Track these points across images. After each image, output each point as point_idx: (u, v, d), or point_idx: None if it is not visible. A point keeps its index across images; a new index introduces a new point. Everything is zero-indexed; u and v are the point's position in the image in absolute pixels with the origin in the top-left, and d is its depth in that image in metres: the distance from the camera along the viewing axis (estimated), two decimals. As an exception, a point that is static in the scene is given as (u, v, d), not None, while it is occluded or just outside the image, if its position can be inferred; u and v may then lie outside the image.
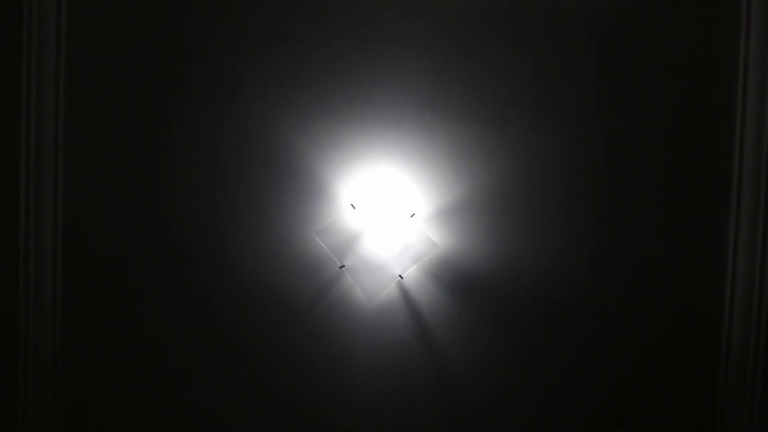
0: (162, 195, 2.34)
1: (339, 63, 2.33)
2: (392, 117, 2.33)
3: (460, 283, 2.36)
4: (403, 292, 2.36)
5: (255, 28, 2.32)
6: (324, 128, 2.33)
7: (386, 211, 2.28)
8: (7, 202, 2.28)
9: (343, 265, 2.25)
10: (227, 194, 2.34)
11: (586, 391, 2.38)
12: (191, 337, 2.37)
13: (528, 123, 2.34)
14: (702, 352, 2.39)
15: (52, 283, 2.33)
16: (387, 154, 2.34)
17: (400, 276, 2.25)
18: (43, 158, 2.30)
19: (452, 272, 2.35)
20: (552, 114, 2.34)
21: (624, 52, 2.35)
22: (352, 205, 2.29)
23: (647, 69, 2.35)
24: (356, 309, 2.36)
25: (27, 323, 2.31)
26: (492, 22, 2.33)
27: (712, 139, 2.36)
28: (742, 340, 2.35)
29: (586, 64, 2.35)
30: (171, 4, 2.32)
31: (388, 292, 2.34)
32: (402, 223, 2.27)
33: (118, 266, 2.35)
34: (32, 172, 2.29)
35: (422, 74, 2.33)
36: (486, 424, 2.39)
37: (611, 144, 2.36)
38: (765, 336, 2.34)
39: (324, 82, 2.33)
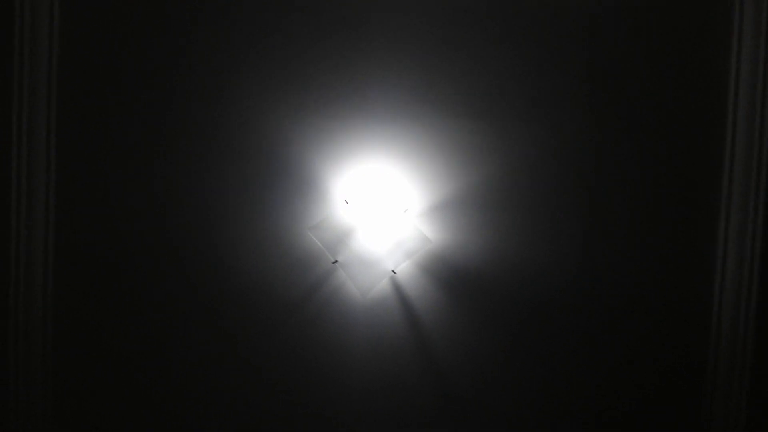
0: (153, 191, 2.34)
1: (331, 59, 2.33)
2: (385, 113, 2.34)
3: (452, 278, 2.37)
4: (396, 287, 2.37)
5: (248, 24, 2.32)
6: (317, 124, 2.33)
7: (379, 207, 2.29)
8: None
9: (336, 261, 2.26)
10: (219, 190, 2.34)
11: (575, 387, 2.40)
12: (183, 333, 2.36)
13: (520, 118, 2.35)
14: (691, 349, 2.41)
15: (42, 279, 2.32)
16: (380, 149, 2.34)
17: (393, 271, 2.26)
18: (35, 154, 2.29)
19: (445, 267, 2.36)
20: (544, 110, 2.36)
21: (616, 48, 2.36)
22: (345, 200, 2.30)
23: (639, 65, 2.36)
24: (349, 304, 2.37)
25: (17, 322, 2.30)
26: (483, 18, 2.34)
27: (704, 136, 2.38)
28: (731, 339, 2.37)
29: (578, 60, 2.36)
30: (161, 1, 2.31)
31: (381, 287, 2.34)
32: (395, 219, 2.28)
33: (109, 263, 2.35)
34: (23, 167, 2.28)
35: (414, 70, 2.34)
36: (478, 417, 2.40)
37: (603, 140, 2.37)
38: (753, 335, 2.36)
39: (317, 78, 2.33)
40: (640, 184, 2.38)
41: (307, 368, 2.38)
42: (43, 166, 2.30)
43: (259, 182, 2.34)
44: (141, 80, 2.32)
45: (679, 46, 2.36)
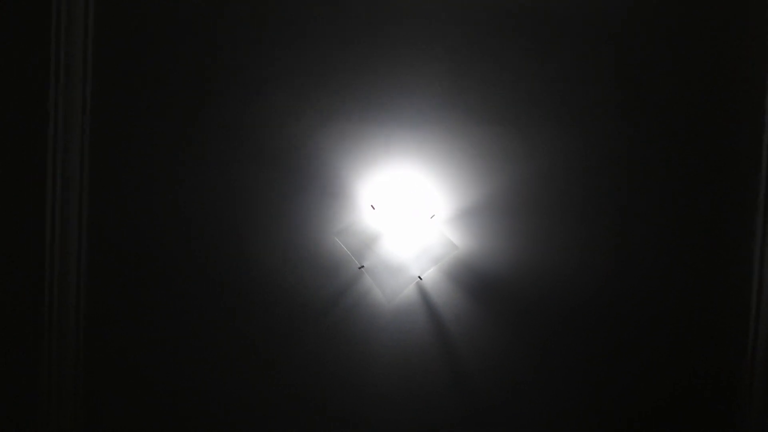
0: (182, 196, 2.36)
1: (359, 65, 2.34)
2: (412, 118, 2.34)
3: (479, 284, 2.35)
4: (422, 293, 2.36)
5: (275, 30, 2.35)
6: (344, 129, 2.34)
7: (406, 213, 2.29)
8: (33, 205, 2.32)
9: (363, 266, 2.26)
10: (246, 195, 2.36)
11: (604, 395, 2.36)
12: (210, 338, 2.38)
13: (548, 124, 2.33)
14: (727, 359, 2.35)
15: (76, 282, 2.36)
16: (407, 155, 2.34)
17: (419, 277, 2.25)
18: (69, 160, 2.33)
19: (471, 274, 2.35)
20: (573, 115, 2.33)
21: (645, 51, 2.33)
22: (371, 206, 2.30)
23: (669, 69, 2.33)
24: (375, 310, 2.36)
25: (50, 326, 2.34)
26: (512, 24, 2.33)
27: (737, 140, 2.33)
28: None
29: (607, 65, 2.33)
30: (192, 6, 2.35)
31: (407, 293, 2.34)
32: (421, 225, 2.27)
33: (139, 267, 2.38)
34: (59, 175, 2.31)
35: (442, 76, 2.34)
36: (504, 425, 2.37)
37: (633, 145, 2.33)
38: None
39: (344, 83, 2.34)
40: (672, 188, 2.33)
41: (332, 374, 2.38)
42: (77, 169, 2.34)
43: (285, 187, 2.35)
44: (168, 88, 2.36)
45: (709, 48, 2.32)
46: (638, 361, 2.35)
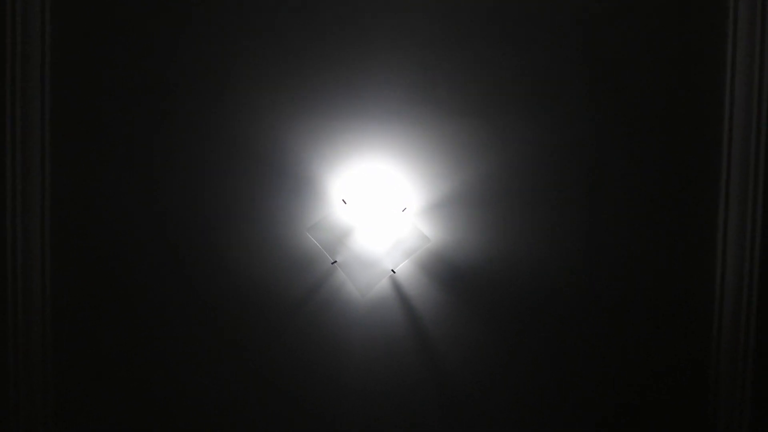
0: (151, 192, 2.33)
1: (329, 58, 2.32)
2: (382, 112, 2.33)
3: (452, 276, 2.36)
4: (396, 286, 2.36)
5: (244, 23, 2.31)
6: (314, 124, 2.32)
7: (377, 206, 2.28)
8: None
9: (335, 261, 2.25)
10: (217, 191, 2.33)
11: (577, 387, 2.40)
12: (182, 334, 2.36)
13: (518, 116, 2.34)
14: (693, 347, 2.40)
15: (40, 282, 2.31)
16: (378, 148, 2.33)
17: (392, 270, 2.25)
18: (29, 156, 2.28)
19: (444, 266, 2.36)
20: (542, 107, 2.35)
21: (614, 45, 2.35)
22: (343, 200, 2.29)
23: (637, 63, 2.36)
24: (349, 304, 2.36)
25: (15, 324, 2.29)
26: (482, 17, 2.33)
27: (702, 133, 2.37)
28: (732, 335, 2.36)
29: (577, 58, 2.35)
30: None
31: (380, 286, 2.34)
32: (393, 218, 2.27)
33: (108, 264, 2.34)
34: (18, 170, 2.27)
35: (412, 69, 2.33)
36: (480, 418, 2.40)
37: (602, 137, 2.36)
38: (755, 330, 2.35)
39: (314, 77, 2.32)
40: (640, 181, 2.37)
41: (307, 369, 2.37)
42: (38, 166, 2.29)
43: (255, 183, 2.33)
44: (136, 82, 2.31)
45: (676, 44, 2.36)
46: (612, 349, 2.39)
